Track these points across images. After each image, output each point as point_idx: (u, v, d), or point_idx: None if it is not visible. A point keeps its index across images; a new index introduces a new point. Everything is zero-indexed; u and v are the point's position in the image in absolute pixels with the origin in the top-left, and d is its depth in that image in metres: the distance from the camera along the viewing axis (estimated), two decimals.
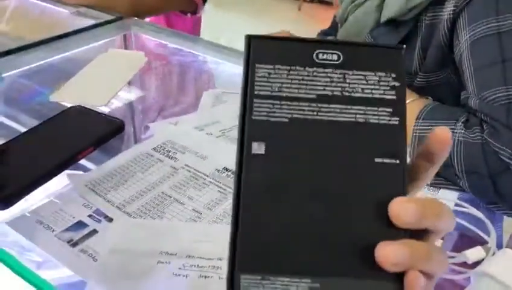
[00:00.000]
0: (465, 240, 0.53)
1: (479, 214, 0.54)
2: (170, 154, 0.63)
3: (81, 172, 0.60)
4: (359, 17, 0.75)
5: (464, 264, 0.48)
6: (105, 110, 0.73)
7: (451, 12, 0.64)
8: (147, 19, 1.24)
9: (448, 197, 0.58)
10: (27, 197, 0.53)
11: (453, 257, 0.49)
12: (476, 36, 0.60)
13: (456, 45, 0.64)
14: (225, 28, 3.61)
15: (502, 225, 0.81)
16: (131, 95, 0.81)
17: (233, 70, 0.88)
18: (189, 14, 1.25)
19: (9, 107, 0.80)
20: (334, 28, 0.91)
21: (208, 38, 1.12)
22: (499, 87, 0.56)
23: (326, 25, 1.03)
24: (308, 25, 3.54)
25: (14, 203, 0.52)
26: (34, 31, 1.02)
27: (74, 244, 0.49)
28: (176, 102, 0.81)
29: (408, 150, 0.65)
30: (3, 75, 0.78)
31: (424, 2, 0.66)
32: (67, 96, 0.73)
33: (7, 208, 0.52)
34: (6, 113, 0.76)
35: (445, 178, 0.59)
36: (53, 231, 0.51)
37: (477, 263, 0.48)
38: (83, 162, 0.60)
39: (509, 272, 0.45)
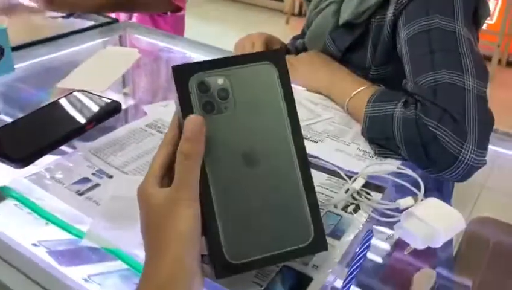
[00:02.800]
0: (402, 195, 0.65)
1: (412, 173, 0.66)
2: (160, 129, 0.74)
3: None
4: (320, 21, 0.88)
5: (397, 210, 0.60)
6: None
7: (391, 14, 0.77)
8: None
9: (393, 163, 0.70)
10: (42, 159, 0.65)
11: (388, 205, 0.61)
12: (410, 34, 0.73)
13: (398, 42, 0.77)
14: (211, 42, 3.70)
15: (450, 201, 0.93)
16: (126, 84, 0.92)
17: None
18: (169, 13, 1.39)
19: (20, 93, 0.91)
20: (304, 33, 1.04)
21: None
22: (427, 72, 0.68)
23: None
24: None
25: (31, 162, 0.63)
26: (37, 32, 1.14)
27: (81, 194, 0.60)
28: (166, 89, 0.93)
29: (360, 129, 0.76)
30: (15, 66, 0.89)
31: (372, 6, 0.79)
32: (71, 84, 0.85)
33: (26, 166, 0.63)
34: (19, 97, 0.87)
35: (390, 149, 0.72)
36: (63, 184, 0.62)
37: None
38: (86, 134, 0.72)
39: (429, 213, 0.57)
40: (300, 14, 4.39)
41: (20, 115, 0.72)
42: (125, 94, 0.89)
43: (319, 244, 0.43)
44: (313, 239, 0.42)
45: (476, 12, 0.79)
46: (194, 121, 0.39)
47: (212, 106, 0.41)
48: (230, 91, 0.41)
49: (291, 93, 0.42)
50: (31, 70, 0.94)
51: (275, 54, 0.42)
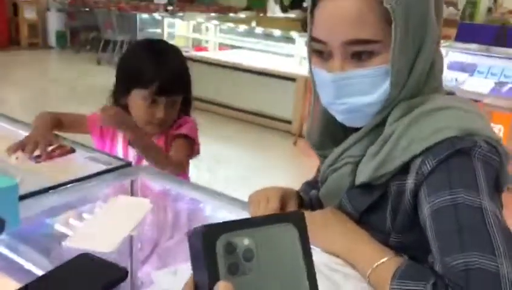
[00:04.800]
0: None
1: None
2: None
3: None
4: (336, 179, 0.86)
5: None
6: (112, 253, 0.80)
7: (412, 184, 0.75)
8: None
9: None
10: None
11: None
12: (434, 207, 0.70)
13: (420, 212, 0.74)
14: (221, 162, 3.77)
15: None
16: (135, 239, 0.88)
17: (229, 216, 0.97)
18: None
19: (22, 245, 0.87)
20: (317, 182, 1.00)
21: (206, 172, 1.22)
22: (457, 254, 0.64)
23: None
24: (303, 160, 3.72)
25: None
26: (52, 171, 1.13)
27: None
28: (177, 246, 0.89)
29: None
30: (20, 217, 0.86)
31: (390, 172, 0.77)
32: (79, 242, 0.81)
33: None
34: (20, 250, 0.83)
35: None
36: None
37: None
38: None
39: None
40: None
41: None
42: (133, 252, 0.85)
43: None
44: None
45: (498, 180, 0.78)
46: (225, 288, 0.39)
47: (237, 268, 0.41)
48: (255, 252, 0.42)
49: (311, 254, 0.44)
50: (38, 219, 0.91)
51: (295, 216, 0.44)
